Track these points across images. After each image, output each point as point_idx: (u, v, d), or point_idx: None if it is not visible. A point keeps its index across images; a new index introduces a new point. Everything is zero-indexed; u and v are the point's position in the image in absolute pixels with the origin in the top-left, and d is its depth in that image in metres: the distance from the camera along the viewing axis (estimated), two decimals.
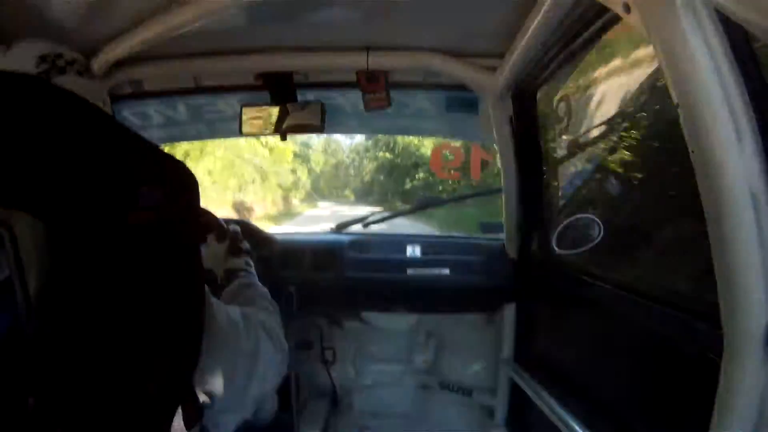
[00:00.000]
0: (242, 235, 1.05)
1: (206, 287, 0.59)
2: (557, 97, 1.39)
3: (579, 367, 1.20)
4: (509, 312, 1.61)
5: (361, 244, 1.74)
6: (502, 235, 1.62)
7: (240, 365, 0.65)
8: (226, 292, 0.88)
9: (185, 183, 0.51)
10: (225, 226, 1.04)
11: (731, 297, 0.59)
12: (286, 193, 16.48)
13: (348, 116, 1.75)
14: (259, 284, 0.91)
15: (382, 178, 17.19)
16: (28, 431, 0.41)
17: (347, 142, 20.34)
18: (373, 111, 1.45)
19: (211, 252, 1.00)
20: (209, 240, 1.02)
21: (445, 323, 1.82)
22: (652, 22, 0.62)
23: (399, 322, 1.81)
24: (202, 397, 0.61)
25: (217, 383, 0.61)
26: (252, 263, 0.99)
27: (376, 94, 1.43)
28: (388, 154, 16.58)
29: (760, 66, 0.59)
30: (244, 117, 1.50)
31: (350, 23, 1.24)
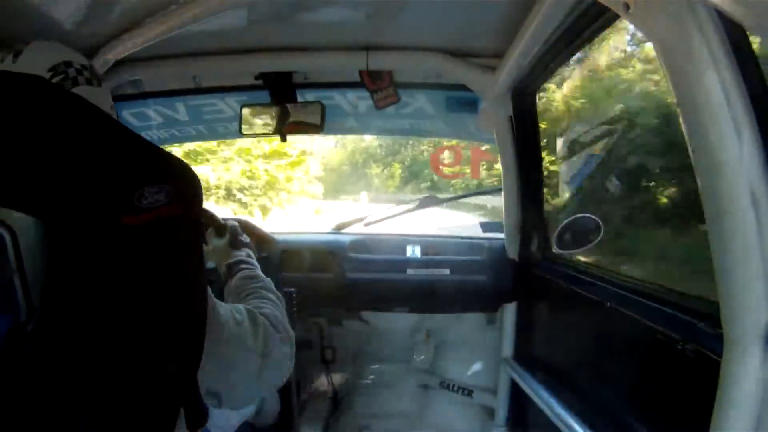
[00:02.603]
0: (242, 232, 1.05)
1: (209, 289, 0.59)
2: (557, 97, 1.39)
3: (579, 366, 1.20)
4: (509, 312, 1.61)
5: (361, 244, 1.74)
6: (502, 235, 1.62)
7: (251, 364, 0.65)
8: (228, 286, 0.88)
9: (188, 183, 0.51)
10: (222, 221, 1.03)
11: (731, 297, 0.59)
12: None
13: (348, 116, 1.75)
14: (262, 275, 0.91)
15: None
16: (28, 430, 0.41)
17: None
18: (382, 109, 1.46)
19: (212, 248, 0.99)
20: (208, 236, 1.02)
21: (445, 323, 1.82)
22: (652, 21, 0.62)
23: (399, 322, 1.81)
24: (209, 399, 0.61)
25: (226, 384, 0.61)
26: (254, 255, 0.99)
27: (384, 92, 1.43)
28: None
29: (760, 66, 0.59)
30: (244, 117, 1.50)
31: (350, 23, 1.24)
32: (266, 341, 0.69)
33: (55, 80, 0.69)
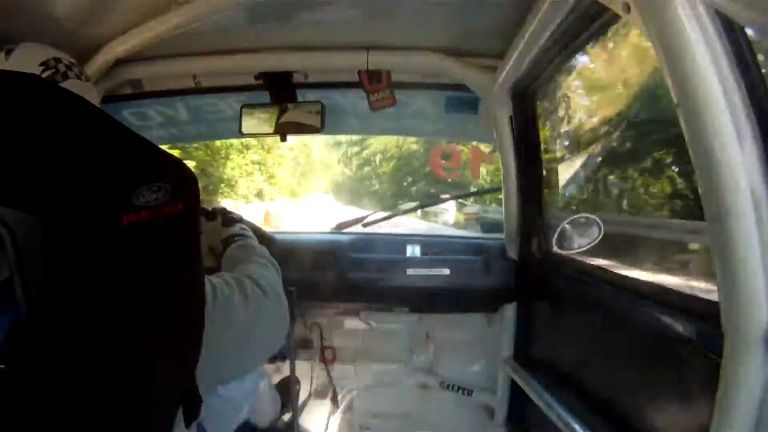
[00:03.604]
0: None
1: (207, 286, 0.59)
2: (557, 97, 1.39)
3: (579, 366, 1.20)
4: (509, 312, 1.61)
5: (361, 244, 1.74)
6: (502, 235, 1.62)
7: (244, 335, 0.65)
8: (224, 258, 0.90)
9: (186, 181, 0.51)
10: (208, 207, 1.06)
11: (731, 297, 0.59)
12: None
13: (348, 116, 1.75)
14: (256, 244, 0.93)
15: None
16: (29, 430, 0.41)
17: None
18: (379, 110, 1.45)
19: (205, 231, 1.01)
20: (200, 224, 1.04)
21: (445, 323, 1.82)
22: (652, 22, 0.62)
23: (399, 322, 1.81)
24: (211, 386, 0.61)
25: (225, 365, 0.62)
26: (247, 228, 1.02)
27: (381, 93, 1.43)
28: None
29: (760, 66, 0.60)
30: (243, 117, 1.50)
31: (350, 23, 1.24)
32: (258, 307, 0.69)
33: (45, 74, 0.72)
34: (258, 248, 0.89)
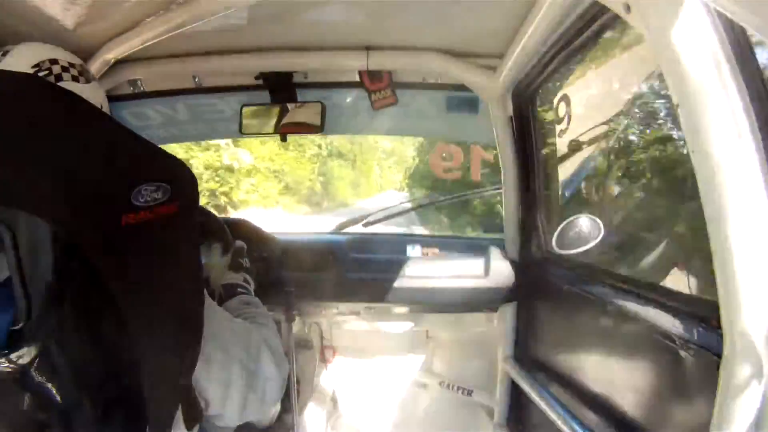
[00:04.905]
0: (244, 240, 1.04)
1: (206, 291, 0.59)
2: (557, 97, 1.39)
3: (579, 366, 1.20)
4: (509, 311, 1.61)
5: (361, 244, 1.74)
6: (502, 235, 1.62)
7: (239, 377, 0.64)
8: (226, 306, 0.86)
9: (185, 181, 0.51)
10: (231, 239, 1.02)
11: (731, 297, 0.59)
12: None
13: (348, 116, 1.75)
14: (259, 302, 0.90)
15: None
16: (26, 429, 0.41)
17: None
18: (380, 110, 1.46)
19: (213, 263, 0.98)
20: (213, 250, 1.00)
21: (445, 323, 1.82)
22: (652, 22, 0.62)
23: (399, 321, 1.81)
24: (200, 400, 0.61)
25: (213, 390, 0.61)
26: (251, 281, 0.97)
27: (382, 93, 1.43)
28: None
29: (760, 66, 0.60)
30: (244, 117, 1.50)
31: (350, 23, 1.24)
32: (258, 362, 0.68)
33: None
34: (263, 309, 0.87)
